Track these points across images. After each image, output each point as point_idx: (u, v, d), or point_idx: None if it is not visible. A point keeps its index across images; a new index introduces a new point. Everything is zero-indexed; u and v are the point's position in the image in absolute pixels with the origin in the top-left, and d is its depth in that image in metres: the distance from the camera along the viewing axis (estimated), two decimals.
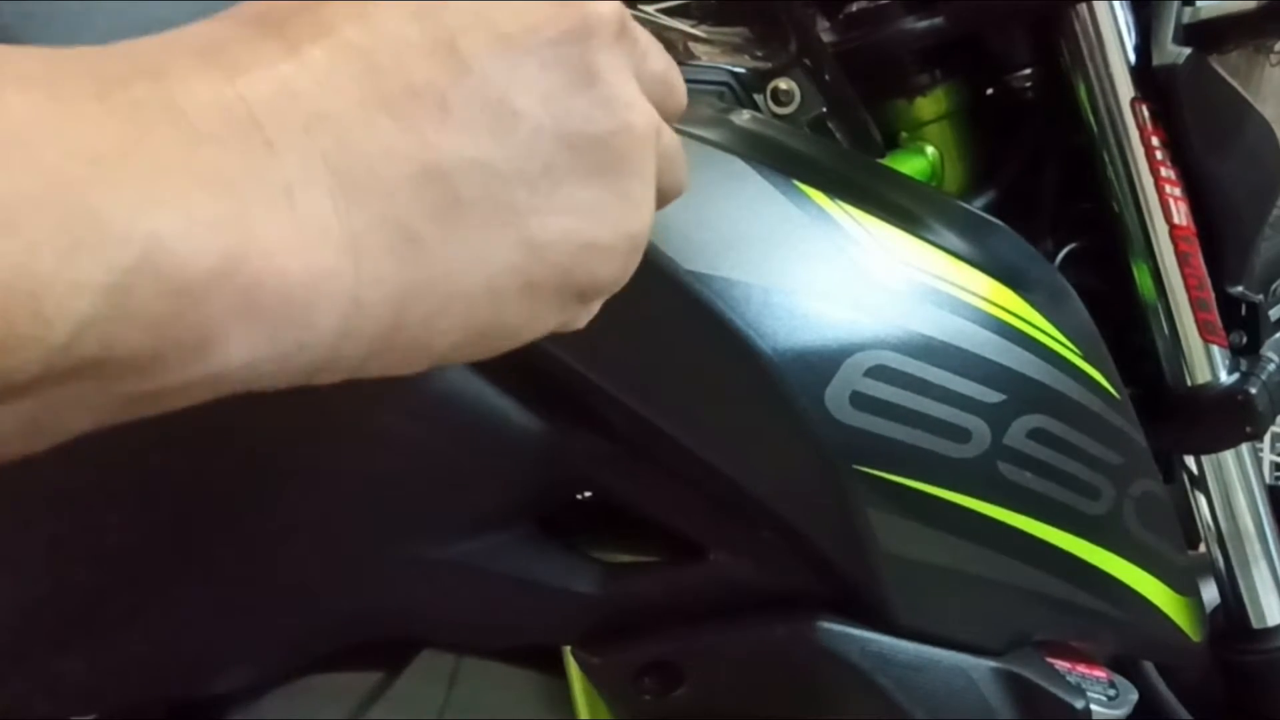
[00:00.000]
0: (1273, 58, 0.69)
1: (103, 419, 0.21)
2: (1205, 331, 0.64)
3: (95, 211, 0.18)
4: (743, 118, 0.53)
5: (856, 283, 0.46)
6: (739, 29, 0.61)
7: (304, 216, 0.21)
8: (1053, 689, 0.51)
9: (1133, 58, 0.61)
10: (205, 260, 0.19)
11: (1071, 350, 0.51)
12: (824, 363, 0.44)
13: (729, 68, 0.57)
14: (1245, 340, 0.66)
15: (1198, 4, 0.60)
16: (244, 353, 0.21)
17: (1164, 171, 0.62)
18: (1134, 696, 0.54)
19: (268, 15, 0.23)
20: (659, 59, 0.28)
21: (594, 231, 0.25)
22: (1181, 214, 0.62)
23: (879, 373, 0.44)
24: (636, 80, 0.26)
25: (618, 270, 0.26)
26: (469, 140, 0.23)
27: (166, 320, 0.19)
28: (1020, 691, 0.50)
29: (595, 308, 0.27)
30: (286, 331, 0.21)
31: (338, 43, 0.22)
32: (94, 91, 0.19)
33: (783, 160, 0.48)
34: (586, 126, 0.24)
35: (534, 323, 0.25)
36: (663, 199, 0.29)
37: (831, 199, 0.46)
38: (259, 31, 0.22)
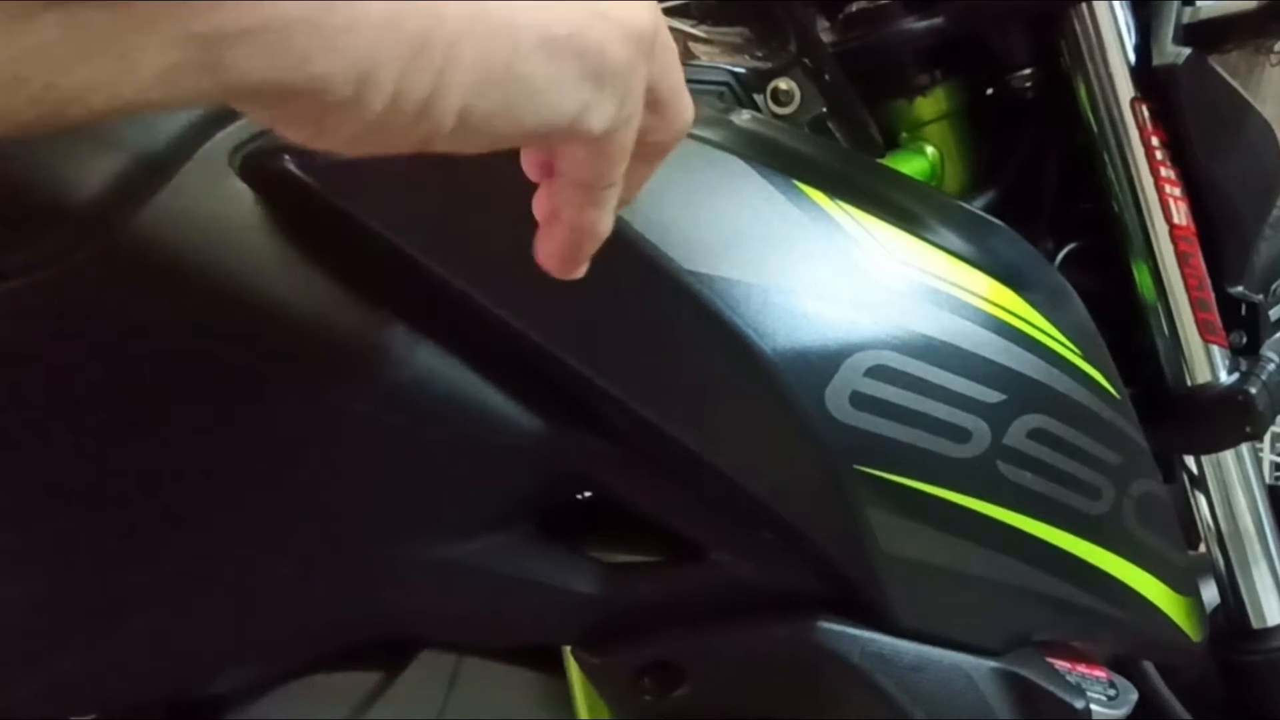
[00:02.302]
0: (1273, 58, 0.69)
1: (163, 87, 0.21)
2: (1205, 331, 0.64)
3: None
4: (743, 118, 0.53)
5: (856, 283, 0.46)
6: (739, 29, 0.61)
7: None
8: (1053, 689, 0.51)
9: (1133, 58, 0.61)
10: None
11: (1071, 350, 0.51)
12: (824, 362, 0.44)
13: (729, 68, 0.57)
14: (1245, 340, 0.66)
15: (1198, 4, 0.60)
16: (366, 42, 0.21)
17: (1164, 171, 0.62)
18: (1134, 696, 0.54)
19: None
20: None
21: (606, 4, 0.26)
22: (1181, 214, 0.62)
23: (879, 373, 0.44)
24: None
25: (625, 56, 0.27)
26: None
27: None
28: (1020, 691, 0.50)
29: (608, 110, 0.27)
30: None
31: None
32: None
33: (783, 160, 0.48)
34: None
35: (552, 90, 0.26)
36: (665, 84, 0.30)
37: (831, 199, 0.46)
38: None
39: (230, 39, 0.20)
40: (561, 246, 0.31)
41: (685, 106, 0.32)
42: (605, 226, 0.31)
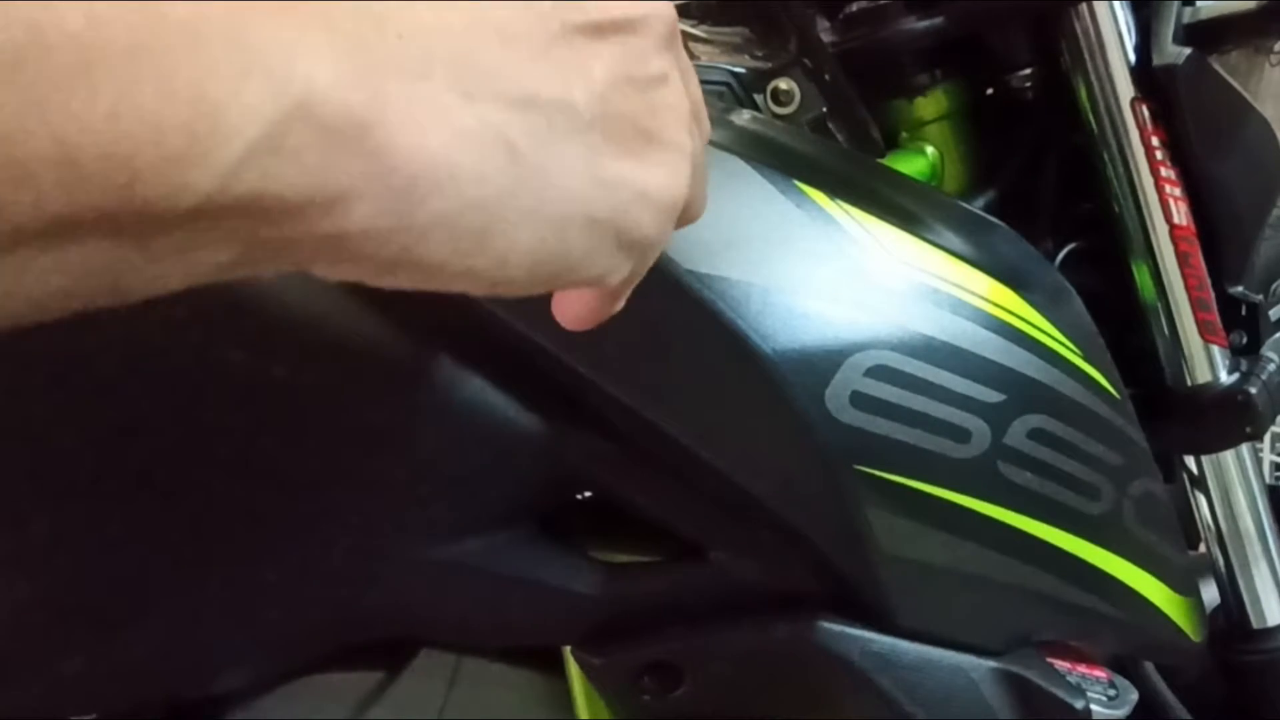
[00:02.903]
0: (1273, 58, 0.69)
1: (221, 271, 0.22)
2: (1205, 331, 0.64)
3: (263, 46, 0.20)
4: (743, 118, 0.53)
5: (857, 282, 0.46)
6: (739, 29, 0.61)
7: (428, 98, 0.23)
8: (1053, 689, 0.51)
9: (1133, 58, 0.61)
10: (350, 113, 0.21)
11: (1071, 350, 0.51)
12: (824, 362, 0.44)
13: (729, 68, 0.57)
14: (1245, 340, 0.66)
15: (1198, 4, 0.60)
16: (367, 214, 0.22)
17: (1164, 171, 0.62)
18: (1134, 696, 0.54)
19: None
20: (694, 83, 0.32)
21: (647, 183, 0.29)
22: (1181, 214, 0.62)
23: (879, 372, 0.44)
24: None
25: (656, 228, 0.29)
26: (560, 84, 0.26)
27: (312, 166, 0.21)
28: (1020, 691, 0.50)
29: (628, 269, 0.30)
30: (403, 203, 0.23)
31: None
32: None
33: (783, 160, 0.48)
34: (641, 98, 0.29)
35: (587, 261, 0.28)
36: (689, 213, 0.32)
37: (832, 199, 0.46)
38: None
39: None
40: (580, 314, 0.34)
41: (703, 204, 0.34)
42: (623, 298, 0.34)
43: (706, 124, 0.33)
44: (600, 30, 0.28)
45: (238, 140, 0.20)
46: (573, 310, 0.34)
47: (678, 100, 0.30)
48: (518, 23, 0.26)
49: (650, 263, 0.31)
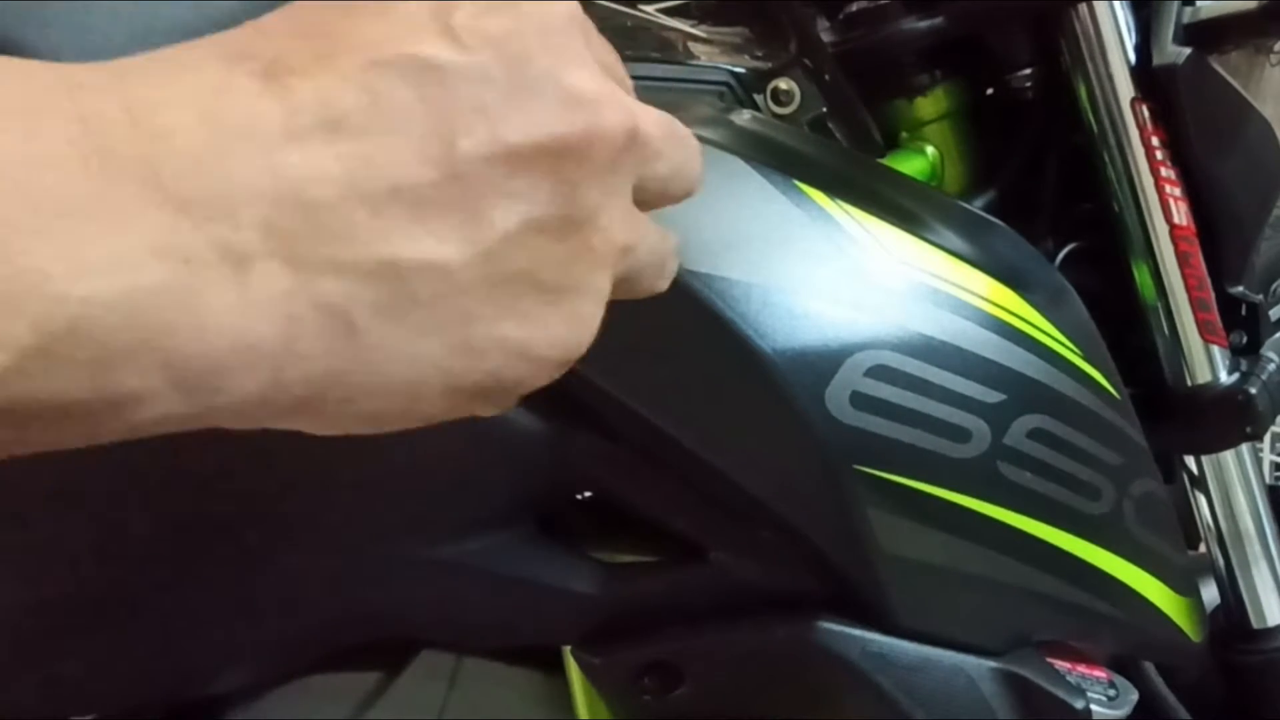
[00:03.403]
0: (1273, 58, 0.69)
1: (12, 453, 0.21)
2: (1205, 331, 0.64)
3: (38, 270, 0.18)
4: (743, 118, 0.53)
5: (857, 282, 0.46)
6: (739, 29, 0.61)
7: (252, 290, 0.21)
8: (1053, 689, 0.51)
9: (1133, 58, 0.61)
10: (133, 331, 0.20)
11: (1071, 350, 0.51)
12: (824, 362, 0.44)
13: (729, 68, 0.57)
14: (1245, 340, 0.66)
15: (1198, 4, 0.60)
16: (158, 410, 0.21)
17: (1164, 171, 0.62)
18: (1134, 696, 0.54)
19: (275, 68, 0.22)
20: (672, 157, 0.27)
21: (532, 343, 0.25)
22: (1181, 214, 0.62)
23: (879, 372, 0.44)
24: (638, 185, 0.26)
25: (544, 377, 0.26)
26: (434, 245, 0.23)
27: (85, 385, 0.20)
28: (1020, 691, 0.50)
29: (511, 402, 0.27)
30: (201, 395, 0.21)
31: (337, 113, 0.22)
32: (73, 134, 0.19)
33: (783, 160, 0.48)
34: (553, 248, 0.24)
35: (446, 415, 0.25)
36: (644, 285, 0.30)
37: (832, 199, 0.46)
38: (264, 87, 0.22)
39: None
40: None
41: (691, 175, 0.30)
42: None
43: (689, 186, 0.29)
44: (524, 160, 0.23)
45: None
46: None
47: (607, 235, 0.25)
48: (404, 170, 0.22)
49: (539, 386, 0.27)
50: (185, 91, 0.21)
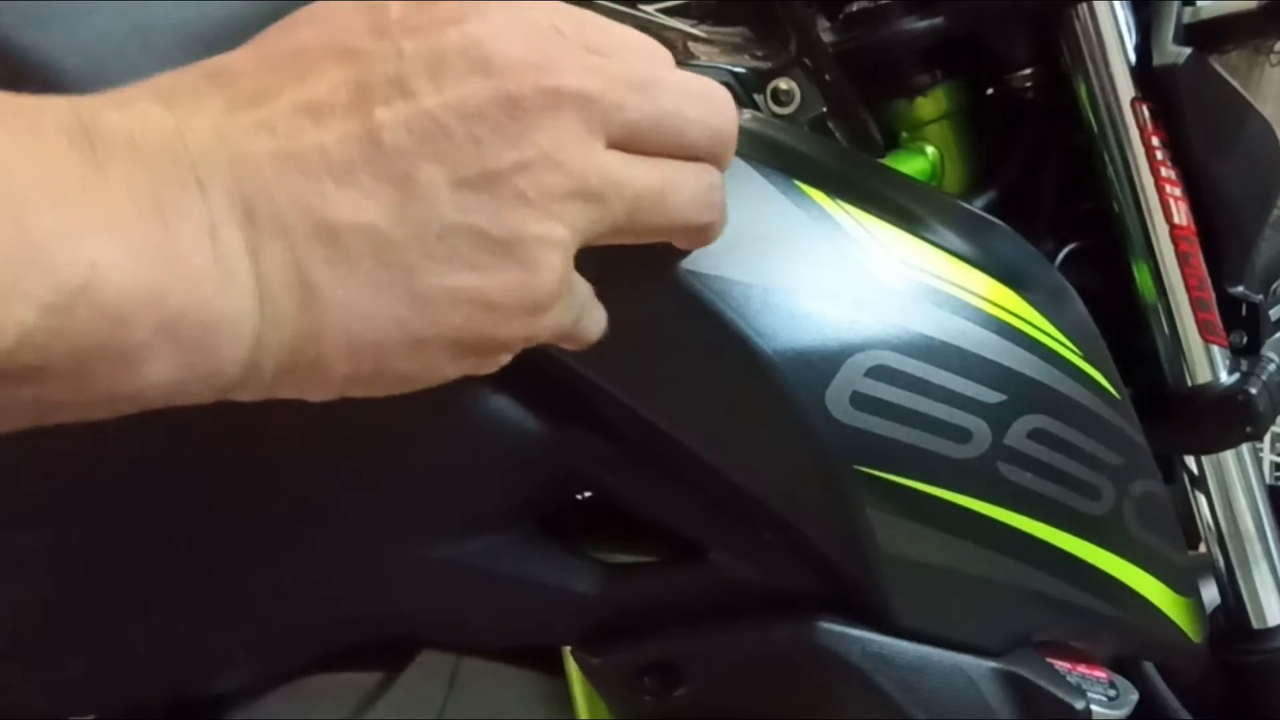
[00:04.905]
0: (1273, 58, 0.69)
1: (27, 422, 0.24)
2: (1205, 331, 0.64)
3: (48, 237, 0.21)
4: (743, 118, 0.52)
5: (857, 283, 0.46)
6: (739, 29, 0.61)
7: (222, 254, 0.24)
8: (1053, 689, 0.51)
9: (1133, 58, 0.61)
10: (137, 289, 0.22)
11: (1071, 350, 0.51)
12: (824, 363, 0.43)
13: (729, 68, 0.57)
14: (1245, 340, 0.66)
15: (1198, 4, 0.60)
16: (164, 374, 0.23)
17: (1164, 171, 0.62)
18: (1134, 696, 0.54)
19: (221, 72, 0.26)
20: (640, 107, 0.29)
21: (486, 290, 0.26)
22: (1182, 214, 0.62)
23: (880, 373, 0.44)
24: (615, 135, 0.28)
25: (519, 329, 0.28)
26: (364, 204, 0.25)
27: (99, 340, 0.22)
28: (1020, 691, 0.50)
29: (504, 358, 0.29)
30: (201, 358, 0.24)
31: (273, 101, 0.25)
32: (68, 126, 0.22)
33: (783, 160, 0.48)
34: (483, 201, 0.26)
35: (427, 373, 0.27)
36: (704, 235, 0.33)
37: (832, 199, 0.46)
38: (211, 84, 0.25)
39: None
40: None
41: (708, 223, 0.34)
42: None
43: (681, 139, 0.32)
44: (438, 124, 0.25)
45: (14, 326, 0.20)
46: None
47: (541, 185, 0.27)
48: (331, 138, 0.25)
49: (532, 343, 0.29)
50: (150, 87, 0.25)
